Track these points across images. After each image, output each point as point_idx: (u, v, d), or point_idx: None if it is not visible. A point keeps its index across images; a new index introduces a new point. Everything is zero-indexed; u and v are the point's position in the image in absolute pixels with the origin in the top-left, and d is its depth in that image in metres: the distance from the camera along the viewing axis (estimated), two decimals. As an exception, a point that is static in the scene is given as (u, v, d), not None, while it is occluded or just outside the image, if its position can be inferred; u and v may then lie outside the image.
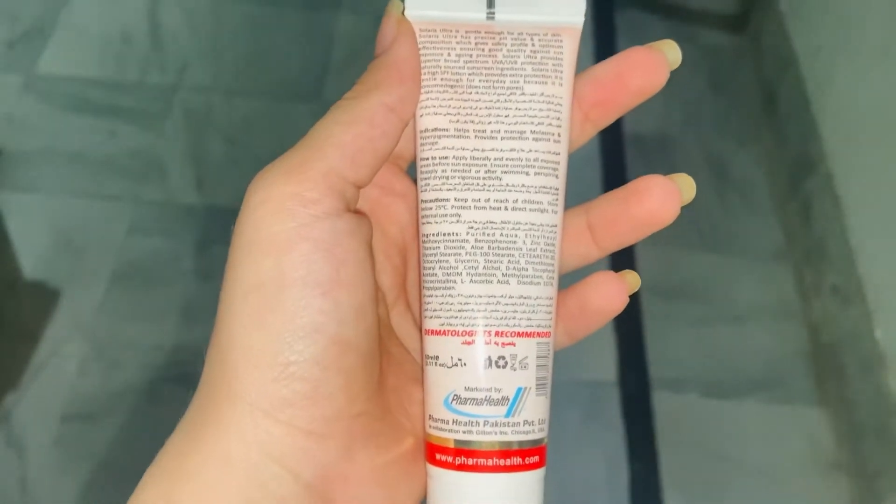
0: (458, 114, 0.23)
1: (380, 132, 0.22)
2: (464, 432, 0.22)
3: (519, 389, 0.22)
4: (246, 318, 0.20)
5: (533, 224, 0.23)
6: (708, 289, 1.06)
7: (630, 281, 0.24)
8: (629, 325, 1.03)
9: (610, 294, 0.24)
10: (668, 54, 0.24)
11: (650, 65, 0.23)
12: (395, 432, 0.23)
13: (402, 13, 0.23)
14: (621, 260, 1.06)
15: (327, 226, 0.21)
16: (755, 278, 1.08)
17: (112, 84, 1.19)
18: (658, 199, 0.23)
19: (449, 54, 0.23)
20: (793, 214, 1.11)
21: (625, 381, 0.98)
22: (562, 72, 0.23)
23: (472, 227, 0.23)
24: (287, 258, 0.20)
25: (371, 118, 0.22)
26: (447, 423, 0.22)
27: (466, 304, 0.23)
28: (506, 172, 0.23)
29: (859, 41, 1.02)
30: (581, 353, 0.99)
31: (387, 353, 0.24)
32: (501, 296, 0.22)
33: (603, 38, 1.32)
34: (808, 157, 1.09)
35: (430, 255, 0.23)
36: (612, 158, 1.16)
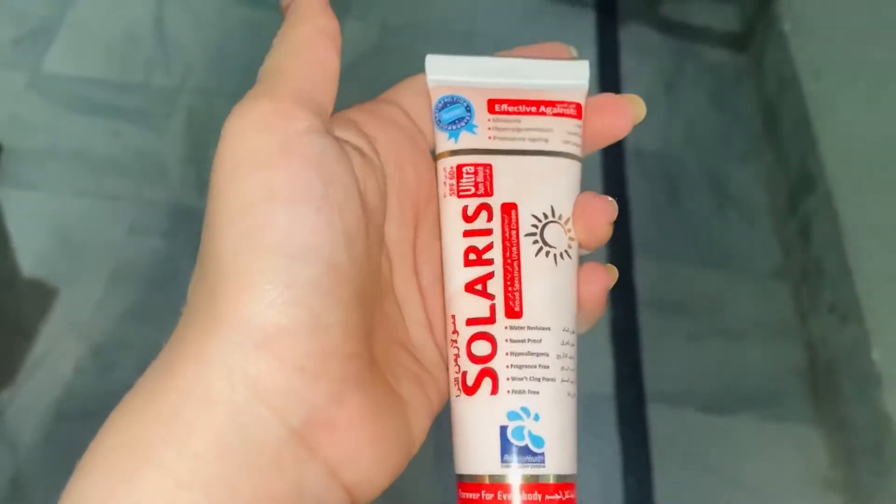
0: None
1: (323, 55, 0.22)
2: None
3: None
4: (236, 240, 0.19)
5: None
6: (706, 304, 1.07)
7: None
8: (626, 338, 1.03)
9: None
10: (635, 107, 0.24)
11: (617, 111, 0.24)
12: (385, 383, 0.22)
13: None
14: (619, 271, 1.06)
15: (314, 140, 0.20)
16: (753, 295, 1.09)
17: (116, 84, 1.20)
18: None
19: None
20: (792, 232, 1.11)
21: (621, 395, 0.98)
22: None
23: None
24: (276, 173, 0.19)
25: (312, 44, 0.22)
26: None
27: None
28: None
29: (861, 62, 1.02)
30: (578, 365, 0.99)
31: (379, 308, 0.23)
32: None
33: (607, 54, 1.33)
34: (808, 175, 1.09)
35: None
36: (613, 173, 1.17)
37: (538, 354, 0.23)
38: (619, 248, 1.08)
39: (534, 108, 0.25)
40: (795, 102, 1.16)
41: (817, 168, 1.07)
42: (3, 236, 1.03)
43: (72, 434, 0.90)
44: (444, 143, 0.25)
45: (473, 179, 0.24)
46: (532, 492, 0.23)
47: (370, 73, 1.25)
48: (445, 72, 0.25)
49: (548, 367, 0.23)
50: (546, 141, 0.25)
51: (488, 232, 0.24)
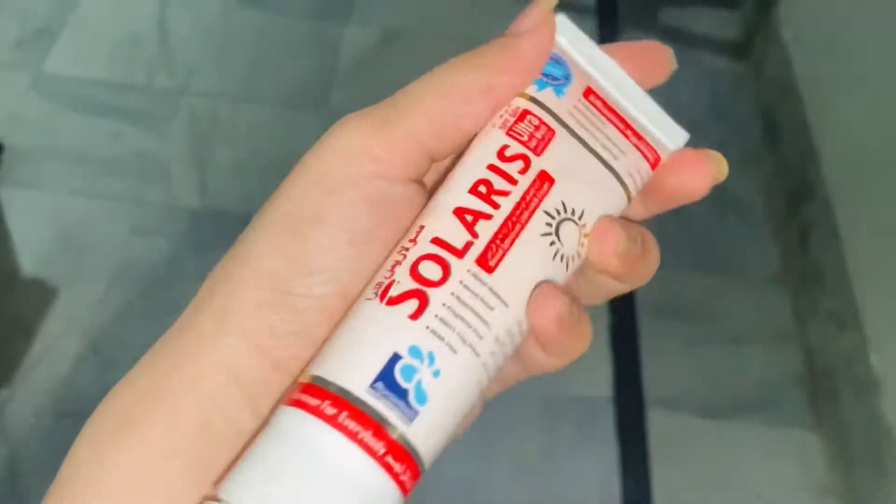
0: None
1: (471, 111, 0.21)
2: None
3: None
4: (268, 240, 0.20)
5: None
6: (705, 310, 1.07)
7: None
8: (626, 342, 1.03)
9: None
10: (717, 165, 0.23)
11: (696, 167, 0.23)
12: None
13: (554, 10, 0.23)
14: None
15: (383, 185, 0.20)
16: (752, 301, 1.09)
17: (119, 86, 1.20)
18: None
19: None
20: (791, 239, 1.12)
21: (620, 399, 0.98)
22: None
23: None
24: (331, 198, 0.20)
25: (467, 93, 0.21)
26: None
27: None
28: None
29: (860, 71, 1.03)
30: (576, 368, 0.99)
31: None
32: None
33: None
34: (807, 182, 1.10)
35: None
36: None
37: (481, 319, 0.20)
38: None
39: (621, 126, 0.23)
40: (794, 110, 1.17)
41: (816, 175, 1.08)
42: (4, 235, 1.03)
43: (70, 432, 0.90)
44: (527, 85, 0.22)
45: (531, 131, 0.22)
46: (379, 439, 0.18)
47: (371, 77, 1.25)
48: (571, 41, 0.24)
49: (481, 337, 0.20)
50: (615, 158, 0.23)
51: (513, 181, 0.21)
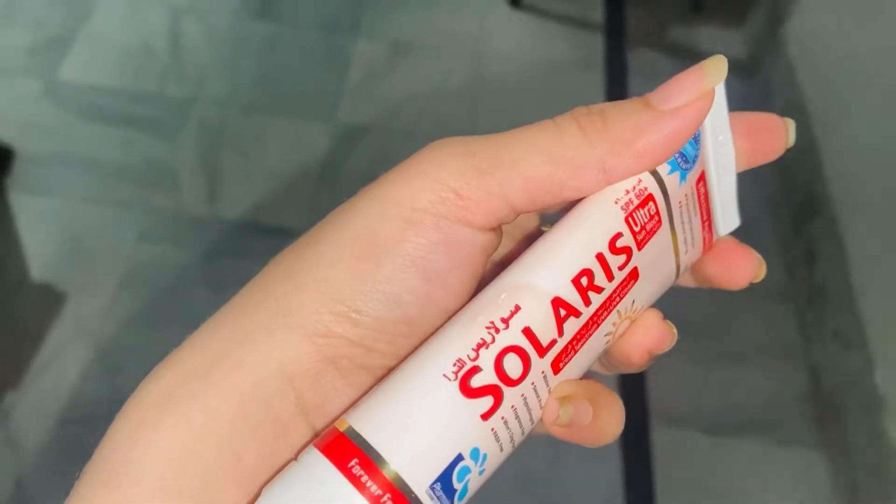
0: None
1: (577, 185, 0.20)
2: None
3: None
4: (339, 257, 0.20)
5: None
6: (710, 327, 1.07)
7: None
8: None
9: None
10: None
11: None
12: None
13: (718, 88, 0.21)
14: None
15: (466, 232, 0.20)
16: (757, 318, 1.09)
17: (130, 94, 1.21)
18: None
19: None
20: (796, 257, 1.12)
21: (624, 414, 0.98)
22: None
23: None
24: (412, 233, 0.20)
25: (577, 170, 0.20)
26: None
27: None
28: None
29: (866, 89, 1.03)
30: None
31: None
32: None
33: (615, 77, 1.34)
34: (814, 200, 1.10)
35: None
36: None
37: (531, 420, 0.20)
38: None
39: (704, 216, 0.23)
40: (801, 128, 1.17)
41: (822, 193, 1.08)
42: (13, 240, 1.04)
43: (76, 438, 0.90)
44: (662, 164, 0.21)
45: (645, 221, 0.21)
46: None
47: (380, 89, 1.26)
48: (713, 116, 0.21)
49: (522, 433, 0.20)
50: (686, 252, 0.22)
51: (611, 277, 0.20)
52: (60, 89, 1.20)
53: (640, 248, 0.20)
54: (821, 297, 1.05)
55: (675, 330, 0.23)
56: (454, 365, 0.19)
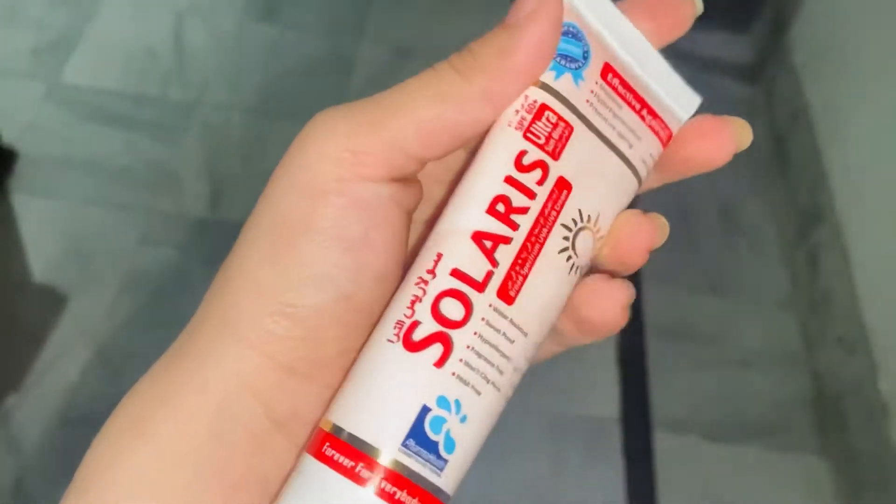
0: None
1: (468, 119, 0.20)
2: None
3: None
4: (261, 252, 0.20)
5: None
6: (714, 332, 1.07)
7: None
8: (633, 363, 1.03)
9: (605, 307, 0.21)
10: (740, 132, 0.22)
11: (718, 136, 0.21)
12: None
13: None
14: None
15: (370, 188, 0.20)
16: (761, 325, 1.08)
17: (133, 97, 1.21)
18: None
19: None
20: (800, 263, 1.12)
21: (627, 419, 0.98)
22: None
23: None
24: (320, 205, 0.19)
25: (464, 103, 0.19)
26: None
27: None
28: None
29: (872, 96, 1.03)
30: (584, 388, 0.99)
31: None
32: None
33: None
34: (818, 207, 1.10)
35: None
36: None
37: (502, 355, 0.20)
38: (628, 275, 1.08)
39: (637, 105, 0.21)
40: (805, 134, 1.17)
41: (826, 200, 1.07)
42: (16, 242, 1.04)
43: (77, 440, 0.90)
44: (545, 72, 0.20)
45: (550, 130, 0.20)
46: (413, 495, 0.19)
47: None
48: (589, 4, 0.21)
49: (503, 373, 0.20)
50: (630, 146, 0.21)
51: (531, 194, 0.20)
52: (64, 92, 1.20)
53: (556, 158, 0.20)
54: (824, 303, 1.04)
55: (662, 219, 0.22)
56: (394, 328, 0.19)
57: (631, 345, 1.03)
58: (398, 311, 0.20)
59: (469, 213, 0.20)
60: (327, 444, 0.19)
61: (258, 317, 0.19)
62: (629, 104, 0.21)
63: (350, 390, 0.20)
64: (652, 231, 0.21)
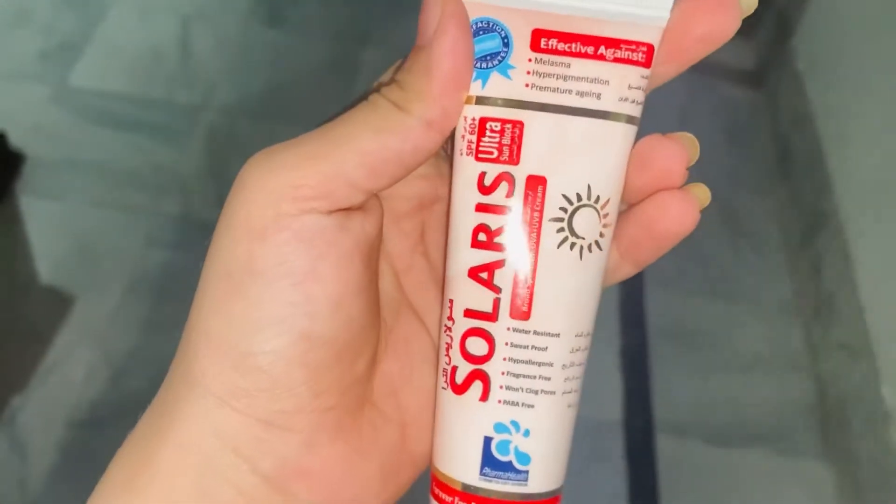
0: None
1: (412, 147, 0.19)
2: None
3: None
4: (211, 304, 0.19)
5: None
6: (717, 336, 1.07)
7: (699, 195, 0.21)
8: (636, 366, 1.03)
9: (678, 214, 0.20)
10: None
11: (719, 5, 0.20)
12: (374, 427, 0.21)
13: None
14: (631, 301, 1.06)
15: (312, 220, 0.19)
16: (764, 329, 1.08)
17: (139, 100, 1.22)
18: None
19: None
20: (803, 268, 1.12)
21: (629, 423, 0.98)
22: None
23: None
24: (260, 246, 0.19)
25: (406, 133, 0.19)
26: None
27: None
28: None
29: (876, 101, 1.03)
30: (586, 391, 0.99)
31: (392, 331, 0.22)
32: None
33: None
34: (821, 212, 1.10)
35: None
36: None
37: (540, 364, 0.20)
38: (631, 278, 1.08)
39: (590, 49, 0.19)
40: (809, 139, 1.17)
41: (830, 204, 1.08)
42: (22, 244, 1.04)
43: (81, 441, 0.91)
44: (467, 92, 0.20)
45: (498, 140, 0.20)
46: None
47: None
48: None
49: (549, 378, 0.20)
50: (598, 97, 0.20)
51: (505, 210, 0.20)
52: (71, 95, 1.21)
53: (517, 162, 0.20)
54: (827, 308, 1.04)
55: (686, 134, 0.21)
56: (443, 376, 0.21)
57: (633, 348, 1.03)
58: (441, 359, 0.21)
59: (458, 254, 0.21)
60: (433, 485, 0.22)
61: (221, 371, 0.19)
62: (578, 54, 0.19)
63: (437, 436, 0.22)
64: (675, 146, 0.20)
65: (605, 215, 0.20)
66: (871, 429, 0.91)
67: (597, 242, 0.20)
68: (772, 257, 1.16)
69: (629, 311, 1.05)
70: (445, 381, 0.21)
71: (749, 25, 1.52)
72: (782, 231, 1.19)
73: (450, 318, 0.21)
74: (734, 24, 0.20)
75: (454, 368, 0.21)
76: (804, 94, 1.21)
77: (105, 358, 0.95)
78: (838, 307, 1.02)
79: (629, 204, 0.21)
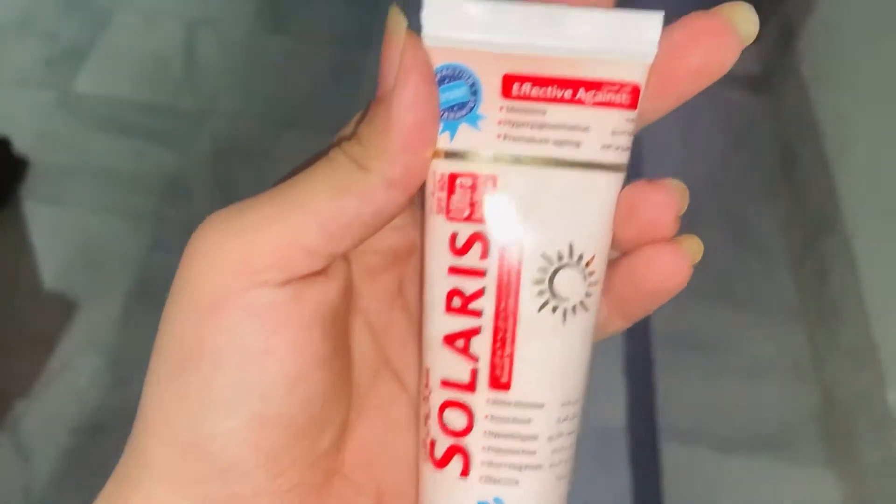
0: None
1: (374, 209, 0.18)
2: None
3: None
4: (160, 385, 0.18)
5: None
6: (721, 342, 1.06)
7: (691, 248, 0.19)
8: (640, 372, 1.02)
9: (668, 271, 0.19)
10: (737, 24, 0.18)
11: (719, 35, 0.18)
12: (344, 501, 0.20)
13: (410, 30, 0.18)
14: (635, 308, 1.06)
15: (263, 293, 0.18)
16: (768, 335, 1.08)
17: (144, 106, 1.22)
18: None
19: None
20: (808, 273, 1.11)
21: (633, 429, 0.98)
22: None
23: None
24: (208, 324, 0.18)
25: (366, 193, 0.18)
26: None
27: None
28: None
29: (881, 106, 1.03)
30: (591, 398, 0.99)
31: (367, 395, 0.21)
32: None
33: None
34: (826, 217, 1.09)
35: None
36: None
37: (524, 438, 0.19)
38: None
39: (567, 93, 0.18)
40: (813, 144, 1.17)
41: (835, 209, 1.07)
42: (27, 250, 1.04)
43: (85, 447, 0.91)
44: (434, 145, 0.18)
45: (470, 197, 0.18)
46: None
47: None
48: (449, 24, 0.18)
49: (534, 452, 0.19)
50: (578, 146, 0.18)
51: (480, 273, 0.18)
52: (75, 101, 1.21)
53: (483, 220, 0.18)
54: (832, 314, 1.04)
55: (673, 181, 0.19)
56: (423, 449, 0.20)
57: (638, 354, 1.03)
58: (421, 429, 0.20)
59: (433, 320, 0.19)
60: None
61: (171, 456, 0.18)
62: (554, 100, 0.18)
63: None
64: (662, 195, 0.19)
65: (591, 273, 0.19)
66: (876, 435, 0.91)
67: (582, 303, 0.19)
68: (776, 262, 1.16)
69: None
70: (425, 454, 0.20)
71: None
72: (787, 236, 1.18)
73: (426, 387, 0.20)
74: (733, 55, 0.18)
75: (433, 442, 0.19)
76: (809, 99, 1.21)
77: (109, 364, 0.95)
78: (843, 313, 1.02)
79: (619, 252, 0.20)
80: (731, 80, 1.45)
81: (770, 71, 1.36)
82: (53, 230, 1.07)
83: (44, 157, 1.14)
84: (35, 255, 1.05)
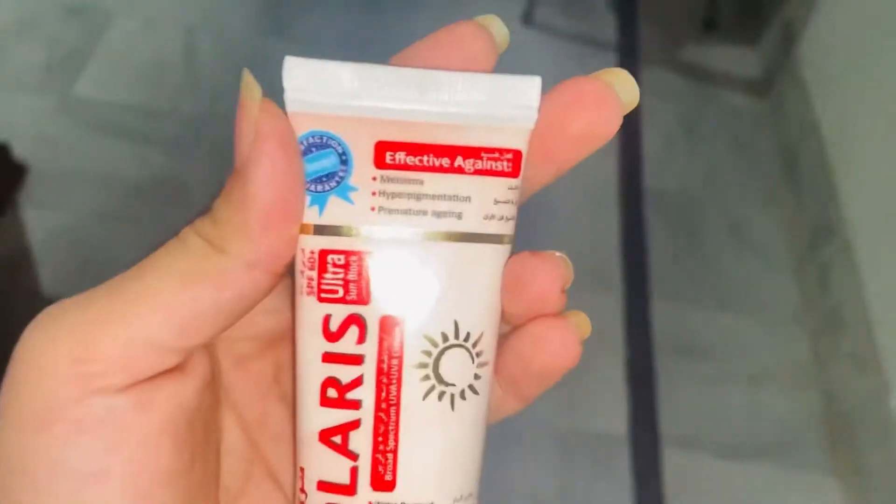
0: None
1: (233, 295, 0.16)
2: None
3: None
4: None
5: None
6: (723, 348, 1.06)
7: (579, 325, 0.18)
8: (642, 379, 1.02)
9: (556, 349, 0.18)
10: (618, 91, 0.17)
11: (599, 102, 0.17)
12: None
13: (265, 97, 0.17)
14: (637, 313, 1.06)
15: (99, 403, 0.15)
16: (771, 341, 1.08)
17: (144, 110, 1.22)
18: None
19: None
20: (810, 279, 1.11)
21: (636, 436, 0.97)
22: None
23: None
24: (32, 442, 0.15)
25: (223, 278, 0.16)
26: None
27: None
28: None
29: (883, 111, 1.03)
30: (592, 405, 0.98)
31: (239, 498, 0.19)
32: None
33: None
34: (828, 223, 1.09)
35: None
36: (630, 216, 1.17)
37: None
38: (637, 290, 1.07)
39: (445, 161, 0.17)
40: (816, 149, 1.16)
41: (837, 215, 1.07)
42: (26, 256, 1.04)
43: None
44: (305, 211, 0.17)
45: (343, 276, 0.17)
46: None
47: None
48: (313, 89, 0.17)
49: None
50: (459, 216, 0.17)
51: (357, 360, 0.17)
52: (75, 105, 1.21)
53: (367, 301, 0.17)
54: (835, 320, 1.04)
55: (555, 253, 0.18)
56: None
57: (639, 361, 1.03)
58: None
59: (307, 413, 0.17)
60: None
61: None
62: (432, 168, 0.17)
63: None
64: (547, 268, 0.17)
65: (479, 353, 0.17)
66: (879, 441, 0.90)
67: (471, 387, 0.17)
68: (778, 268, 1.16)
69: (635, 323, 1.04)
70: None
71: (754, 34, 1.53)
72: (789, 241, 1.18)
73: (302, 490, 0.18)
74: (615, 122, 0.17)
75: None
76: (810, 103, 1.20)
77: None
78: (846, 318, 1.01)
79: (509, 326, 0.18)
80: (732, 84, 1.46)
81: (771, 76, 1.36)
82: (52, 236, 1.07)
83: (43, 162, 1.14)
84: (34, 260, 1.05)
